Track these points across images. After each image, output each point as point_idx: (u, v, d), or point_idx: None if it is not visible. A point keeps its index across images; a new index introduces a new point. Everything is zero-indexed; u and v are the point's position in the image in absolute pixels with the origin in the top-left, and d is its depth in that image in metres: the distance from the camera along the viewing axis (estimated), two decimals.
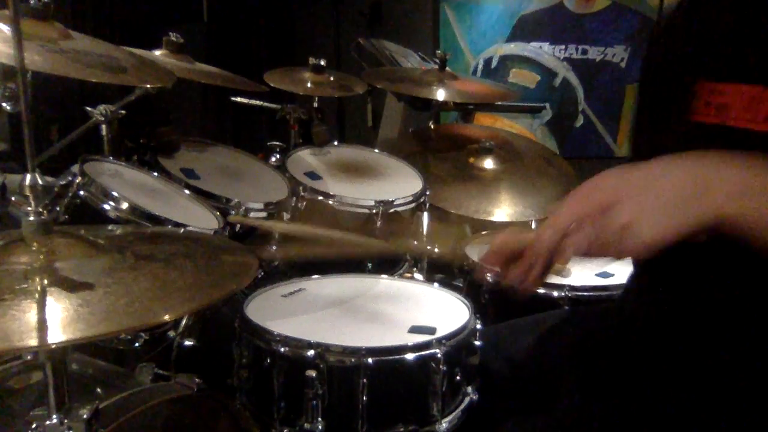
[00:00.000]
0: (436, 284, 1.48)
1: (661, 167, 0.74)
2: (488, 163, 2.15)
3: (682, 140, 0.85)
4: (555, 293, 1.48)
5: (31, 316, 0.70)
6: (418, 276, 1.77)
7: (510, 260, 0.82)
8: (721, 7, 0.83)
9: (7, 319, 0.68)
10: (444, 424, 1.18)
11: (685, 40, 0.88)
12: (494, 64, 3.57)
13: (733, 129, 0.77)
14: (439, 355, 1.15)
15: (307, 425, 1.12)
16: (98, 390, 1.10)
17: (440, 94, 2.23)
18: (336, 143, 2.15)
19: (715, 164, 0.71)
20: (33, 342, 0.67)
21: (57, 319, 0.70)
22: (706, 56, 0.84)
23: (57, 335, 0.69)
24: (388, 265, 1.78)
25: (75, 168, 1.38)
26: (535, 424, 0.96)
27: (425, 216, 1.87)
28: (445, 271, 1.82)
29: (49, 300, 0.73)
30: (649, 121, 0.94)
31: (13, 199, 1.09)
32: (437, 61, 2.31)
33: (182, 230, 1.35)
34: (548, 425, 0.93)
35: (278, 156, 2.08)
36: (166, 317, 0.76)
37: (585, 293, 1.48)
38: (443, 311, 1.33)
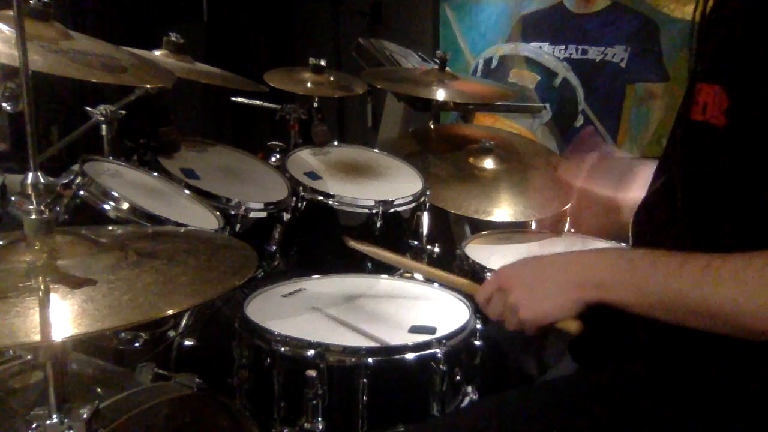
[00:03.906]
0: (436, 284, 1.48)
1: (544, 263, 0.94)
2: (488, 163, 2.15)
3: (683, 136, 0.91)
4: None
5: (35, 312, 0.70)
6: (418, 276, 1.77)
7: None
8: (730, 15, 0.86)
9: (12, 316, 0.69)
10: None
11: (699, 44, 0.93)
12: (494, 64, 3.57)
13: (712, 125, 0.82)
14: (439, 355, 1.15)
15: (307, 425, 1.12)
16: (98, 390, 1.09)
17: (440, 94, 2.23)
18: (336, 143, 2.15)
19: (586, 261, 0.90)
20: (37, 338, 0.68)
21: (61, 315, 0.71)
22: (703, 58, 0.90)
23: (62, 330, 0.69)
24: (388, 265, 1.78)
25: (75, 168, 1.38)
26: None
27: (425, 216, 1.88)
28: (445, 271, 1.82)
29: (53, 297, 0.73)
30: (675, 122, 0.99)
31: (13, 199, 1.09)
32: (437, 61, 2.30)
33: (183, 229, 1.35)
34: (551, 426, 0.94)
35: (278, 156, 2.08)
36: (170, 311, 0.77)
37: None
38: (443, 311, 1.33)
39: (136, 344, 1.37)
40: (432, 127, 2.47)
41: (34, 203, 0.81)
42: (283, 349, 1.15)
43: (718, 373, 0.85)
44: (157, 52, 2.00)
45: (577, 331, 0.92)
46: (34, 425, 0.82)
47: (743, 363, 0.83)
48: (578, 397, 0.97)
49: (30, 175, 0.81)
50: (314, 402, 1.11)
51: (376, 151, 2.15)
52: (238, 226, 1.61)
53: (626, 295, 0.84)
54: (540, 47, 3.48)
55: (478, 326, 1.26)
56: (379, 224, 1.76)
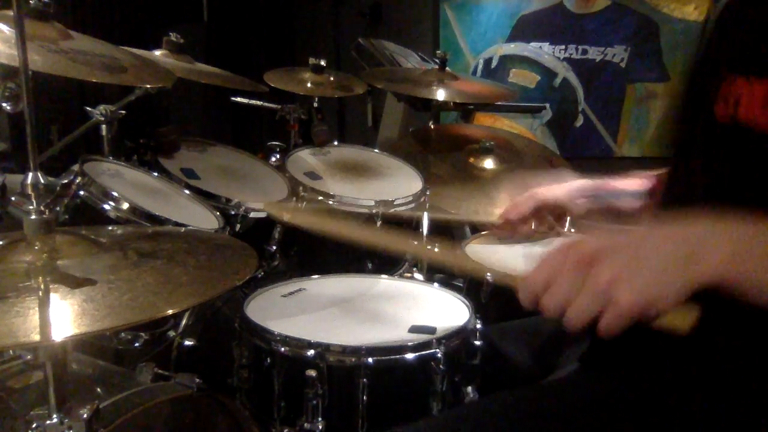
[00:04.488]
0: (436, 284, 1.48)
1: (647, 233, 0.73)
2: (488, 163, 2.15)
3: (705, 135, 0.85)
4: None
5: (35, 312, 0.70)
6: (418, 276, 1.77)
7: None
8: (755, 7, 0.81)
9: (11, 317, 0.69)
10: None
11: (720, 37, 0.87)
12: (494, 64, 3.57)
13: (749, 124, 0.75)
14: (439, 355, 1.15)
15: (307, 425, 1.11)
16: (98, 390, 1.09)
17: (440, 94, 2.24)
18: (336, 143, 2.15)
19: (706, 230, 0.70)
20: (37, 338, 0.68)
21: (61, 315, 0.71)
22: (731, 51, 0.83)
23: (62, 330, 0.69)
24: (388, 265, 1.78)
25: (75, 168, 1.38)
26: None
27: (425, 216, 1.88)
28: (445, 271, 1.82)
29: (53, 297, 0.73)
30: (684, 117, 0.93)
31: (13, 199, 1.09)
32: (437, 61, 2.31)
33: (183, 229, 1.35)
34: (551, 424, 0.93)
35: (278, 156, 2.08)
36: (170, 311, 0.77)
37: None
38: (443, 311, 1.33)
39: (136, 344, 1.37)
40: (432, 127, 2.47)
41: (34, 203, 0.81)
42: (283, 349, 1.15)
43: (750, 385, 0.80)
44: (157, 52, 2.00)
45: (690, 325, 0.69)
46: (34, 425, 0.82)
47: None
48: (584, 398, 0.93)
49: (30, 175, 0.81)
50: (314, 402, 1.11)
51: (376, 151, 2.15)
52: (238, 226, 1.62)
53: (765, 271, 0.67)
54: (540, 47, 3.49)
55: (478, 326, 1.26)
56: (379, 224, 1.76)
